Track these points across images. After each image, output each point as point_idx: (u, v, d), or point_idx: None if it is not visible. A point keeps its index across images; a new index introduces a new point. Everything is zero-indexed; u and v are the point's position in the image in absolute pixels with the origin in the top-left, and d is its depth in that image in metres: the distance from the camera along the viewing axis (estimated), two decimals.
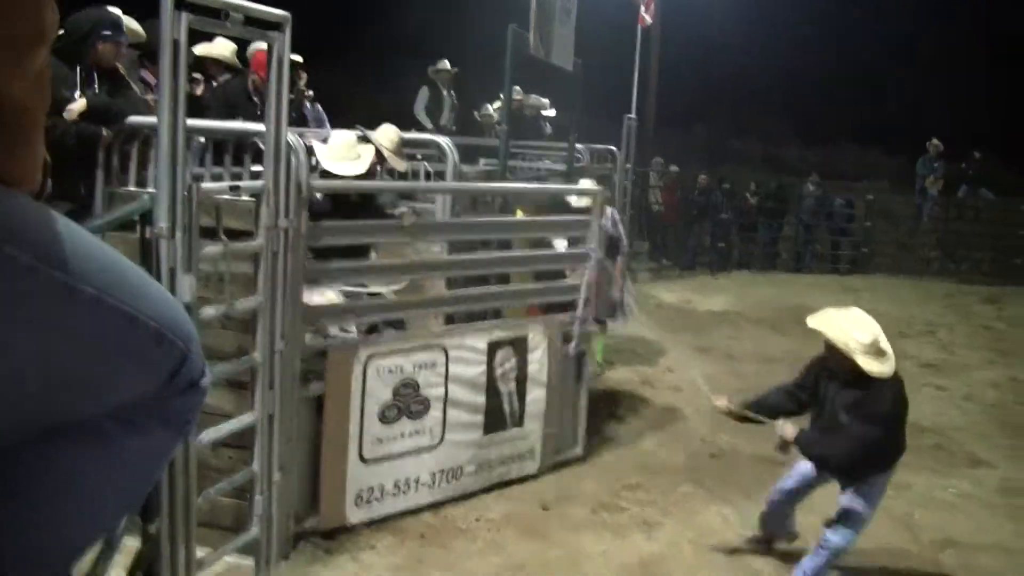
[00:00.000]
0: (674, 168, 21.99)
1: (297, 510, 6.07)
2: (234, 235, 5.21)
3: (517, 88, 14.11)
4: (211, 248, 4.94)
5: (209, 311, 5.01)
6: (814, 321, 5.78)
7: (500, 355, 7.29)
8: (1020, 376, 12.43)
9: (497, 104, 14.84)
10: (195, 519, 4.91)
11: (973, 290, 19.04)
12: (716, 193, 21.33)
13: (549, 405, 7.66)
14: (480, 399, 7.18)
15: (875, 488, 5.88)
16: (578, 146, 13.60)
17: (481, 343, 7.16)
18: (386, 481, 6.65)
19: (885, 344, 5.73)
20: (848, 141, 28.25)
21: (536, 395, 7.56)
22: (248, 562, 5.63)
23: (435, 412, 6.89)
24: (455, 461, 7.06)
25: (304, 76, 11.20)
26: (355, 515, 6.50)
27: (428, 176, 9.39)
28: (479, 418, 7.20)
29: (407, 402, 6.70)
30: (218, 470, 5.51)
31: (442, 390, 6.91)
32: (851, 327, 5.65)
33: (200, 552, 5.06)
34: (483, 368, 7.17)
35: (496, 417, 7.32)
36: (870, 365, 5.58)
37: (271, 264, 5.43)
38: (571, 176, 12.91)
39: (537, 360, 7.57)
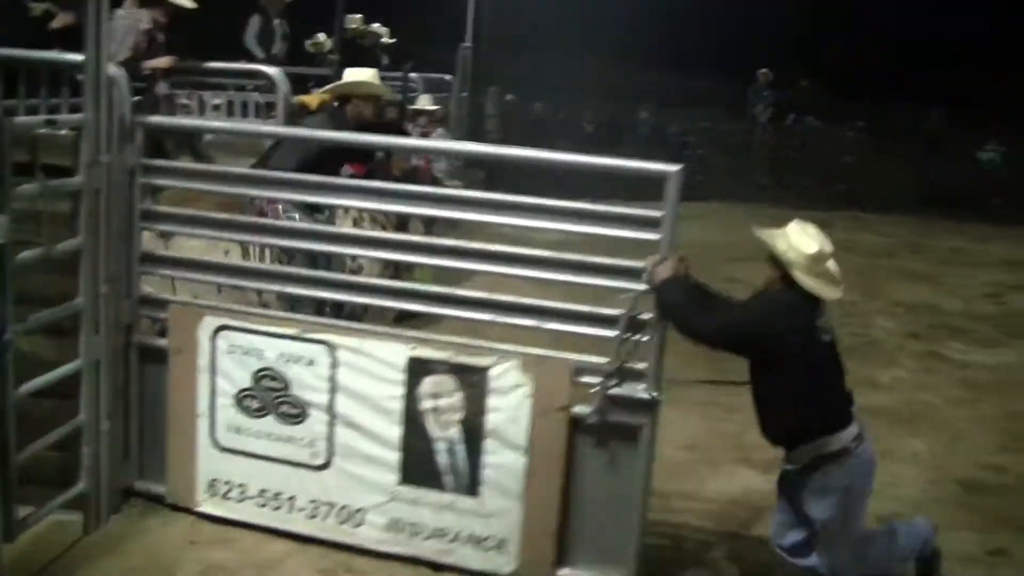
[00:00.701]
0: (510, 97, 21.92)
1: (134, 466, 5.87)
2: (53, 172, 5.01)
3: (358, 16, 13.84)
4: (27, 186, 4.74)
5: (27, 254, 4.81)
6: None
7: (431, 384, 5.42)
8: (844, 298, 12.68)
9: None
10: (15, 475, 4.73)
11: (802, 215, 19.40)
12: (552, 122, 21.36)
13: (533, 483, 5.37)
14: (392, 432, 5.50)
15: (831, 480, 5.11)
16: (413, 75, 13.50)
17: (396, 356, 5.43)
18: (248, 482, 5.73)
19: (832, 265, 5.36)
20: (681, 68, 28.56)
21: (505, 461, 5.39)
22: (76, 518, 5.46)
23: (316, 424, 5.60)
24: (350, 499, 5.64)
25: None
26: (208, 504, 5.81)
27: (258, 108, 9.24)
28: (390, 456, 5.54)
29: (273, 399, 5.61)
30: (41, 421, 5.21)
31: (325, 399, 5.56)
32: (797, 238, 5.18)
33: (23, 510, 4.89)
34: (399, 392, 5.44)
35: (421, 466, 5.52)
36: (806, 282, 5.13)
37: (94, 203, 5.23)
38: (405, 106, 12.83)
39: (508, 408, 5.34)
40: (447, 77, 15.93)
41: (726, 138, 22.60)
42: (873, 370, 9.94)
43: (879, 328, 11.60)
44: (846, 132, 23.02)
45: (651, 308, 5.07)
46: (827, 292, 5.25)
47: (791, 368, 5.01)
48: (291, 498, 5.68)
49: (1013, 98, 26.26)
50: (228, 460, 5.71)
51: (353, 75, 7.95)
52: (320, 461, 5.61)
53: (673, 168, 5.29)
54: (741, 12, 27.57)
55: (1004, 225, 20.60)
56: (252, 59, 13.09)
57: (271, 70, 9.09)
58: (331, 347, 5.48)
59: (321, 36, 15.01)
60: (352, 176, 8.87)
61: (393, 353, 5.41)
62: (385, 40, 15.79)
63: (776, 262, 5.20)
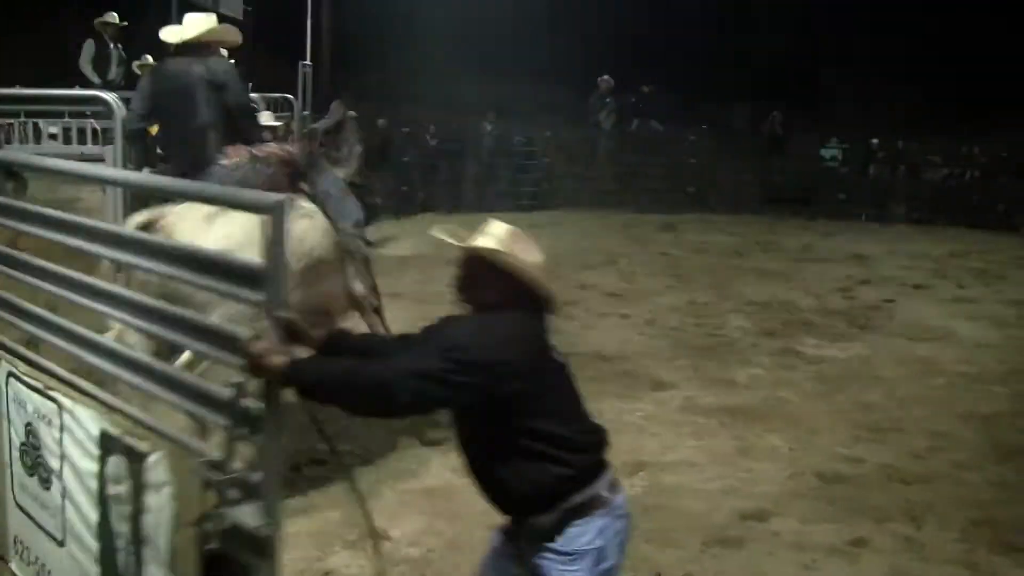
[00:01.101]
0: (351, 113, 21.59)
1: None
2: None
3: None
4: None
5: None
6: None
7: (113, 465, 3.62)
8: (698, 299, 12.98)
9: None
10: None
11: (650, 219, 19.74)
12: (397, 136, 21.24)
13: None
14: (92, 518, 3.78)
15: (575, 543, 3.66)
16: (254, 95, 13.25)
17: (92, 426, 3.74)
18: (34, 550, 4.31)
19: None
20: (524, 78, 28.68)
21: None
22: None
23: (55, 494, 4.06)
24: None
25: None
26: (14, 562, 4.39)
27: (95, 133, 8.96)
28: (91, 549, 3.81)
29: (34, 458, 4.21)
30: None
31: (58, 465, 4.00)
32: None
33: None
34: (95, 468, 3.71)
35: (111, 565, 3.70)
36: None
37: None
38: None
39: (155, 512, 3.41)
40: (288, 96, 15.67)
41: (571, 146, 22.70)
42: (729, 369, 10.01)
43: (734, 327, 11.72)
44: (690, 135, 23.37)
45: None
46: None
47: (528, 406, 3.63)
48: (49, 572, 4.20)
49: (853, 97, 27.06)
50: (23, 522, 4.35)
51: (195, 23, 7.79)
52: (60, 536, 4.07)
53: (274, 199, 3.00)
54: (581, 20, 27.82)
55: (850, 220, 21.20)
56: (87, 84, 12.74)
57: (108, 95, 8.82)
58: (59, 406, 3.96)
59: (148, 58, 14.62)
60: None
61: (90, 421, 3.77)
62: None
63: (491, 271, 3.77)
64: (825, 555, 6.09)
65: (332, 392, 3.41)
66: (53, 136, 8.91)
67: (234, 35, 8.19)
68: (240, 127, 7.55)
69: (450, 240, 3.88)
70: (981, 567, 6.06)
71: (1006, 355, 11.01)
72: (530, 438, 3.63)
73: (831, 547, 6.19)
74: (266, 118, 10.13)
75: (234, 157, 7.14)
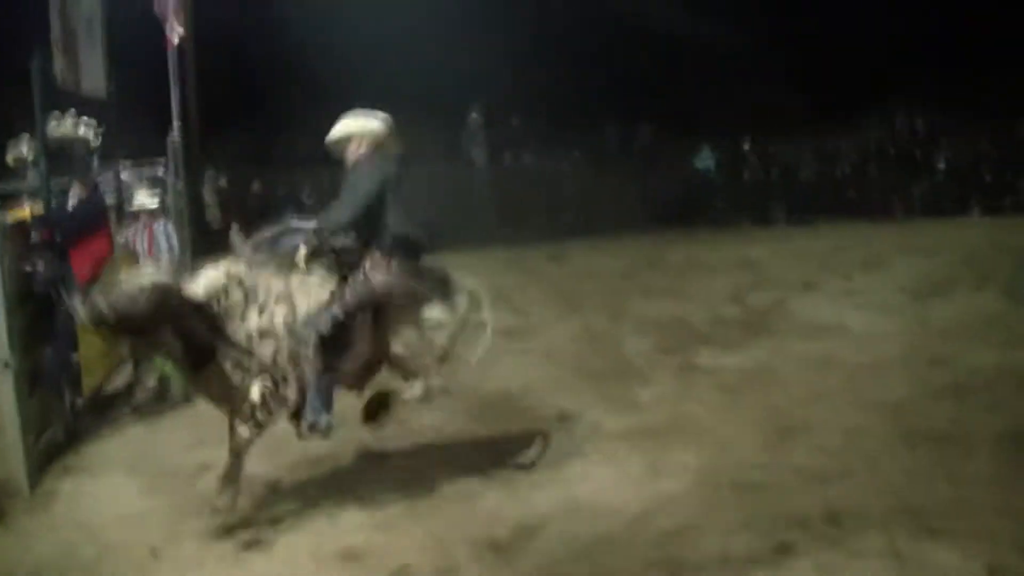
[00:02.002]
0: (222, 183, 21.25)
1: None
2: None
3: (68, 121, 13.14)
4: None
5: None
6: None
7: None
8: (593, 325, 12.92)
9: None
10: None
11: (535, 251, 19.70)
12: (272, 198, 20.96)
13: None
14: None
15: None
16: (124, 174, 12.93)
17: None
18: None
19: None
20: (395, 117, 28.58)
21: None
22: None
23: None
24: None
25: None
26: None
27: None
28: None
29: None
30: None
31: None
32: None
33: None
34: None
35: None
36: None
37: None
38: (121, 208, 12.23)
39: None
40: (160, 175, 15.35)
41: (447, 184, 22.61)
42: (632, 391, 9.91)
43: (630, 348, 11.66)
44: (563, 163, 23.44)
45: None
46: None
47: None
48: None
49: (719, 105, 27.39)
50: None
51: None
52: None
53: None
54: (442, 54, 27.81)
55: (730, 227, 21.44)
56: None
57: None
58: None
59: (23, 147, 14.09)
60: None
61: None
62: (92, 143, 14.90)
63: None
64: (751, 565, 6.03)
65: None
66: None
67: None
68: None
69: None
70: (906, 555, 6.05)
71: (900, 341, 11.15)
72: None
73: (754, 556, 6.14)
74: (142, 198, 9.87)
75: None
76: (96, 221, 9.78)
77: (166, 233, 10.01)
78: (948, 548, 6.10)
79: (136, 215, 9.88)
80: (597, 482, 7.60)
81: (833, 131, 23.58)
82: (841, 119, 23.80)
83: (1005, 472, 7.30)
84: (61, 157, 10.21)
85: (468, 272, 16.05)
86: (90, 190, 9.75)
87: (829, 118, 24.27)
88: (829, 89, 26.25)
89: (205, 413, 8.26)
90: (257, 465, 7.83)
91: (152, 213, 9.97)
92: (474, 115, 22.19)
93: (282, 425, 7.29)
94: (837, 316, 12.45)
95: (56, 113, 11.29)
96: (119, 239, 10.08)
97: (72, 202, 9.73)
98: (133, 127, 15.61)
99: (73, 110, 12.55)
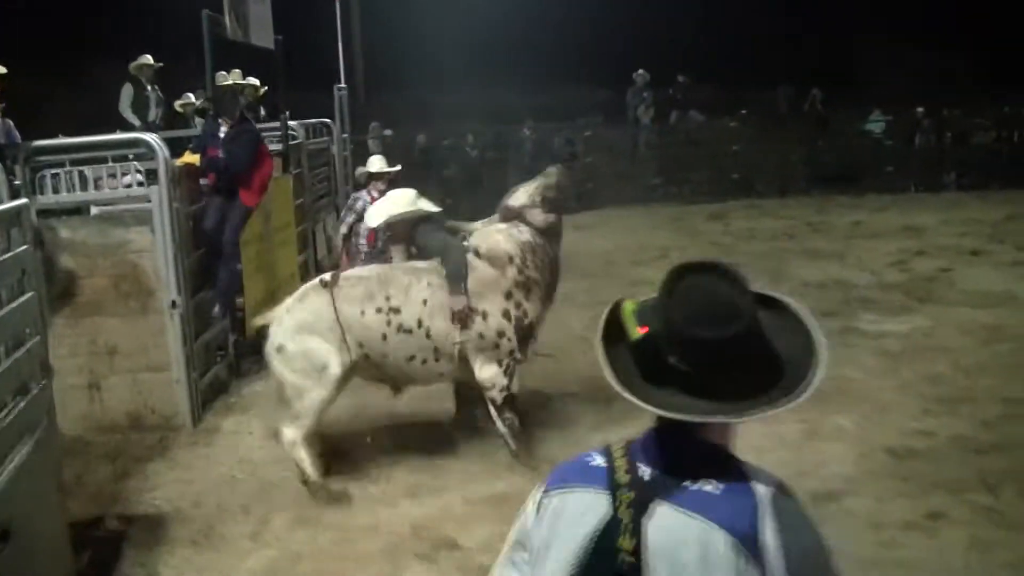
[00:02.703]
0: (388, 132, 21.66)
1: None
2: None
3: (237, 71, 13.71)
4: None
5: None
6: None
7: None
8: (760, 284, 12.88)
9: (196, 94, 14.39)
10: None
11: (698, 210, 19.66)
12: (437, 150, 21.28)
13: None
14: None
15: None
16: (292, 123, 13.36)
17: None
18: None
19: None
20: (558, 80, 28.63)
21: None
22: None
23: None
24: None
25: None
26: None
27: (141, 175, 9.07)
28: None
29: None
30: None
31: None
32: None
33: None
34: None
35: None
36: None
37: None
38: (288, 155, 12.64)
39: None
40: (326, 121, 15.81)
41: (612, 144, 22.58)
42: None
43: None
44: (730, 122, 23.23)
45: None
46: None
47: None
48: None
49: (891, 69, 26.78)
50: None
51: None
52: None
53: None
54: (609, 18, 27.77)
55: (899, 192, 20.98)
56: (128, 128, 12.88)
57: (149, 137, 8.94)
58: None
59: (191, 95, 14.73)
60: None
61: None
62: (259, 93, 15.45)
63: None
64: (903, 531, 6.04)
65: None
66: (98, 181, 9.02)
67: None
68: None
69: None
70: None
71: None
72: None
73: (908, 522, 6.13)
74: (377, 164, 10.09)
75: None
76: (255, 147, 10.06)
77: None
78: None
79: (374, 178, 10.01)
80: (749, 440, 7.60)
81: (1008, 97, 22.78)
82: (1017, 84, 23.00)
83: None
84: (235, 103, 10.57)
85: (627, 229, 16.16)
86: (237, 122, 9.99)
87: (1006, 85, 23.52)
88: (1005, 54, 25.49)
89: None
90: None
91: (388, 178, 10.09)
92: (640, 72, 22.06)
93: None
94: (1006, 286, 12.17)
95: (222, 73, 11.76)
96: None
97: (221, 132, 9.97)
98: (299, 84, 16.07)
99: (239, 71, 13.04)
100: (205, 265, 9.52)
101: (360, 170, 10.14)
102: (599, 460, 2.40)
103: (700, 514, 2.20)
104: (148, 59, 14.36)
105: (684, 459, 2.32)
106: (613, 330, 2.42)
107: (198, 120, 13.60)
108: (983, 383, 8.75)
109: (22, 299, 5.38)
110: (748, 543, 2.18)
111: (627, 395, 2.32)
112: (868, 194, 21.02)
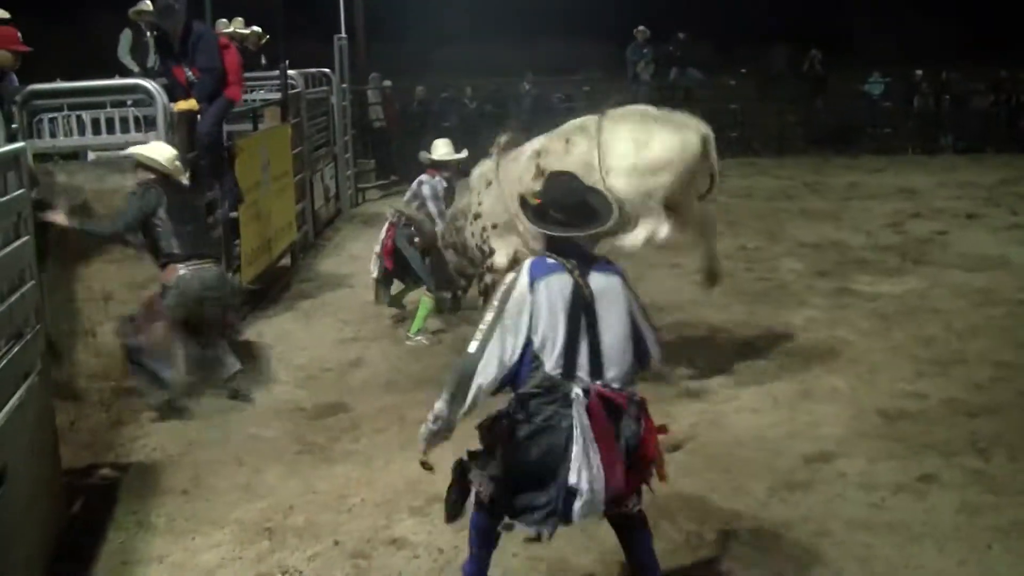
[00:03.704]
0: (387, 83, 21.54)
1: None
2: None
3: (239, 20, 13.62)
4: None
5: None
6: None
7: None
8: (749, 244, 12.91)
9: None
10: None
11: None
12: (436, 102, 21.20)
13: None
14: None
15: None
16: (291, 72, 13.30)
17: None
18: None
19: None
20: (558, 35, 28.50)
21: None
22: None
23: None
24: None
25: None
26: None
27: (138, 121, 9.02)
28: None
29: None
30: None
31: None
32: None
33: None
34: None
35: None
36: None
37: None
38: (287, 104, 12.59)
39: None
40: (326, 71, 15.76)
41: (611, 99, 22.36)
42: (785, 312, 9.95)
43: (787, 271, 11.64)
44: (729, 80, 23.14)
45: None
46: None
47: None
48: None
49: (889, 31, 26.73)
50: None
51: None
52: None
53: None
54: None
55: (896, 154, 20.97)
56: (127, 73, 12.79)
57: (148, 83, 8.90)
58: None
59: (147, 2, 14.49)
60: None
61: None
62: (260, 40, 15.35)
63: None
64: (893, 493, 6.06)
65: None
66: (96, 125, 8.99)
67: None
68: None
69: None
70: None
71: None
72: None
73: (899, 484, 6.16)
74: (442, 150, 9.89)
75: None
76: (214, 43, 9.76)
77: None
78: None
79: (438, 167, 9.82)
80: (743, 401, 7.68)
81: (1008, 63, 22.75)
82: (1018, 52, 22.99)
83: None
84: (168, 17, 10.38)
85: None
86: (185, 30, 9.67)
87: (1004, 49, 23.50)
88: (1003, 20, 25.47)
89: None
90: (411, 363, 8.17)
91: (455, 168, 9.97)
92: (641, 28, 21.90)
93: None
94: (1000, 250, 12.21)
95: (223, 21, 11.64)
96: None
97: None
98: (302, 34, 16.02)
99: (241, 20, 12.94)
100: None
101: (423, 155, 9.89)
102: (551, 261, 4.49)
103: (608, 272, 4.55)
104: (147, 5, 14.15)
105: (583, 255, 4.55)
106: (524, 202, 4.84)
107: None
108: (975, 346, 8.79)
109: (17, 243, 5.36)
110: (627, 280, 4.61)
111: (537, 228, 4.67)
112: (864, 155, 21.02)
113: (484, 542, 4.73)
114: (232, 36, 10.99)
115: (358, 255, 12.36)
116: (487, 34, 27.71)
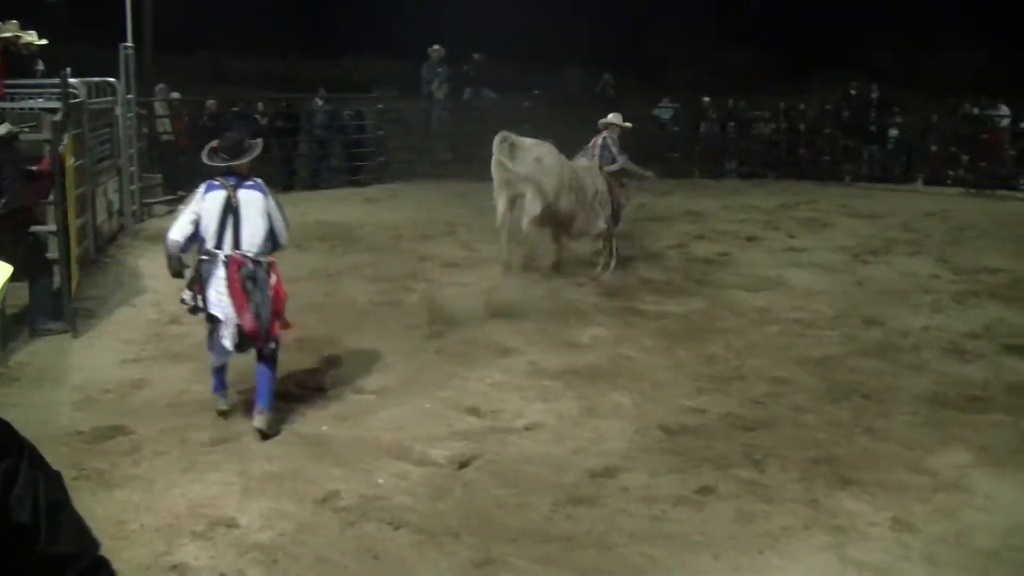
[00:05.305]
0: (175, 95, 20.97)
1: None
2: None
3: (14, 23, 13.08)
4: None
5: None
6: None
7: None
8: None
9: None
10: None
11: (487, 186, 19.61)
12: (226, 116, 20.80)
13: None
14: None
15: None
16: (73, 80, 12.85)
17: None
18: None
19: None
20: (355, 52, 28.39)
21: None
22: None
23: None
24: None
25: None
26: None
27: None
28: None
29: None
30: None
31: None
32: None
33: None
34: None
35: None
36: None
37: None
38: (69, 113, 12.18)
39: None
40: (111, 80, 15.24)
41: (404, 118, 22.45)
42: (573, 331, 10.09)
43: (574, 290, 11.82)
44: (523, 102, 23.42)
45: None
46: None
47: None
48: None
49: (681, 59, 27.53)
50: None
51: None
52: None
53: None
54: None
55: (683, 177, 21.60)
56: None
57: None
58: None
59: None
60: None
61: None
62: (35, 44, 14.60)
63: None
64: (673, 505, 6.25)
65: None
66: None
67: None
68: None
69: None
70: (822, 503, 6.31)
71: (835, 300, 11.45)
72: None
73: (679, 497, 6.35)
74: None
75: None
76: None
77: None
78: (859, 498, 6.39)
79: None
80: (530, 418, 7.77)
81: (792, 94, 23.83)
82: (800, 83, 24.08)
83: (920, 431, 7.58)
84: (8, 57, 10.13)
85: (416, 204, 16.16)
86: None
87: (789, 81, 24.56)
88: (791, 52, 26.62)
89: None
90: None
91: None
92: (436, 47, 21.94)
93: None
94: (778, 271, 12.72)
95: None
96: None
97: None
98: (86, 40, 15.52)
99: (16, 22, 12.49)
100: None
101: (602, 120, 14.62)
102: (217, 183, 7.29)
103: (253, 189, 7.34)
104: None
105: (240, 177, 7.35)
106: (208, 149, 7.49)
107: None
108: (752, 363, 9.14)
109: None
110: (267, 194, 7.43)
111: (208, 162, 7.43)
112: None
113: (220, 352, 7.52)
114: None
115: (142, 273, 11.98)
116: (284, 48, 27.38)
